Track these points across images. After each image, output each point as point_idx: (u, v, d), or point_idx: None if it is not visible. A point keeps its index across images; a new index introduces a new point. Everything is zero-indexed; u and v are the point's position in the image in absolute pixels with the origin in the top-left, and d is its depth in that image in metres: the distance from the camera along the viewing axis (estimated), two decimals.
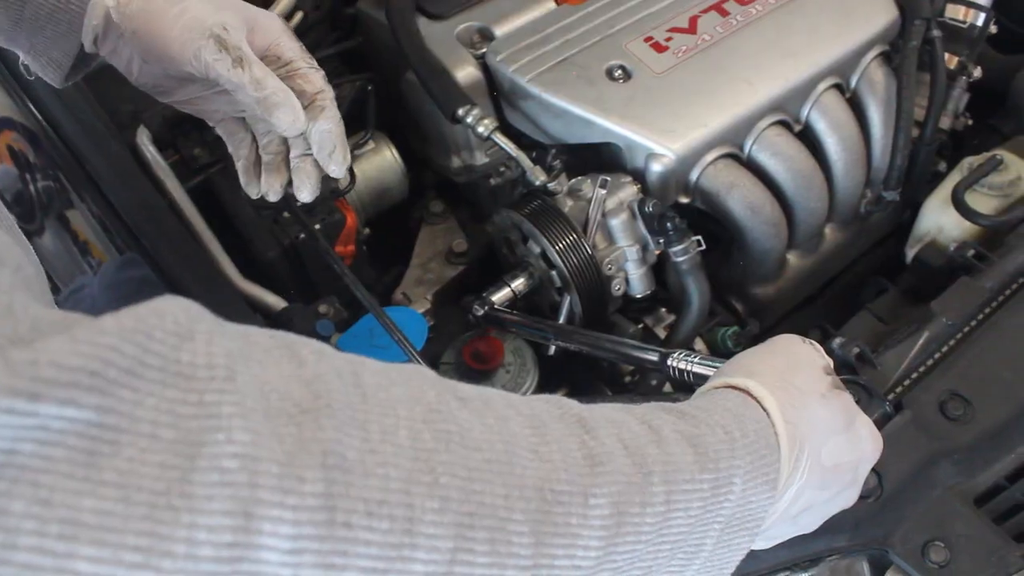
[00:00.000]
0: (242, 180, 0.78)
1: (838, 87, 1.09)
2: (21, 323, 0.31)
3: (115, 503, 0.31)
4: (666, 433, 0.51)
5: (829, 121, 1.07)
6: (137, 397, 0.33)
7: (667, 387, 1.00)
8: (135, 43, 0.70)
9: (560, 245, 0.94)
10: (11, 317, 0.31)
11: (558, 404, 0.50)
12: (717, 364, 0.78)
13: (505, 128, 1.02)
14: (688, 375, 0.80)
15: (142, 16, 0.68)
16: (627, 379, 1.03)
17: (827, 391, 0.61)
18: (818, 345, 0.67)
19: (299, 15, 1.14)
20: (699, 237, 0.96)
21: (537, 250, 0.98)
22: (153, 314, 0.35)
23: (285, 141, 0.77)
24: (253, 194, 0.79)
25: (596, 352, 0.90)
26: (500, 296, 0.98)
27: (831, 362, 0.65)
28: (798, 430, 0.58)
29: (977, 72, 1.21)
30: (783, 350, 0.64)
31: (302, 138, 0.74)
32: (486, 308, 0.96)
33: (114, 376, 0.32)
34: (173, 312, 0.36)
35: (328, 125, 0.72)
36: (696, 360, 0.80)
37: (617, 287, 0.98)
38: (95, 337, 0.32)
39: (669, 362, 0.82)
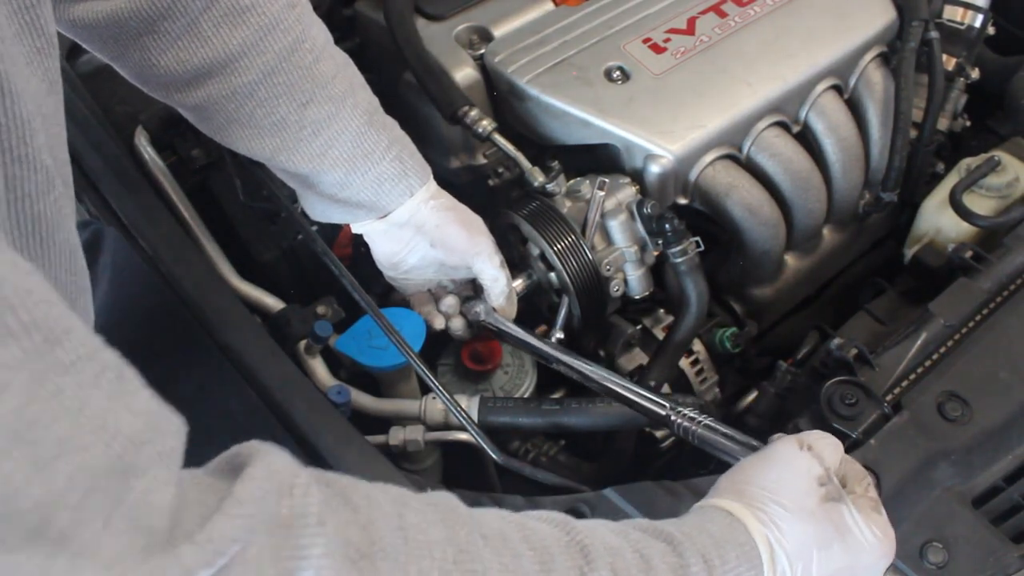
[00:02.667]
0: (437, 324, 0.98)
1: (836, 88, 1.09)
2: (191, 513, 0.41)
3: None
4: (655, 563, 0.58)
5: (827, 122, 1.07)
6: (247, 544, 0.42)
7: (665, 388, 1.00)
8: (433, 232, 0.90)
9: (558, 246, 0.94)
10: (188, 508, 0.42)
11: (566, 529, 0.57)
12: (722, 429, 0.75)
13: (504, 129, 1.02)
14: (693, 436, 0.77)
15: (451, 212, 0.90)
16: None
17: (817, 506, 0.63)
18: (821, 445, 0.67)
19: None
20: (697, 238, 0.96)
21: (536, 251, 0.98)
22: (267, 476, 0.45)
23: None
24: (439, 324, 0.98)
25: (600, 391, 0.87)
26: None
27: (831, 466, 0.66)
28: (783, 548, 0.62)
29: (975, 73, 1.21)
30: (777, 463, 0.66)
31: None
32: (483, 313, 0.95)
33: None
34: (279, 470, 0.46)
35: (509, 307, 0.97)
36: (704, 422, 0.77)
37: (616, 288, 0.98)
38: (239, 510, 0.42)
39: (674, 418, 0.79)
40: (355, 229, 0.94)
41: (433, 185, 0.92)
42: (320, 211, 0.92)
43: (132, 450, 0.39)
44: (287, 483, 0.45)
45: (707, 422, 0.76)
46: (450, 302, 0.98)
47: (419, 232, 0.91)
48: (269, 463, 0.46)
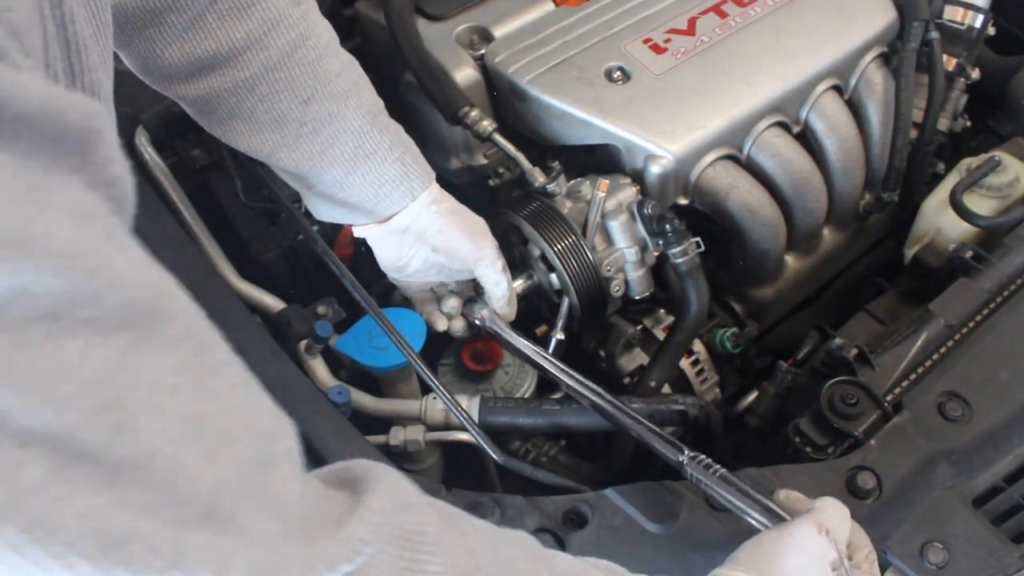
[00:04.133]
0: (439, 325, 0.99)
1: (837, 88, 1.09)
2: (319, 512, 0.46)
3: None
4: None
5: (828, 122, 1.07)
6: (375, 551, 0.46)
7: (666, 388, 1.01)
8: (436, 238, 0.90)
9: (559, 247, 0.94)
10: (313, 506, 0.46)
11: None
12: (737, 483, 0.74)
13: (504, 129, 1.02)
14: (706, 485, 0.76)
15: (454, 217, 0.90)
16: (625, 380, 1.03)
17: None
18: (835, 525, 0.69)
19: None
20: (698, 239, 0.96)
21: (536, 252, 0.98)
22: (393, 492, 0.49)
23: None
24: (441, 327, 0.99)
25: (614, 423, 0.86)
26: None
27: (843, 549, 0.68)
28: None
29: (975, 74, 1.21)
30: (797, 548, 0.67)
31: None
32: (486, 319, 0.95)
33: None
34: (401, 488, 0.51)
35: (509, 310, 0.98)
36: (719, 474, 0.75)
37: (616, 288, 0.98)
38: (372, 517, 0.46)
39: (685, 464, 0.77)
40: (357, 233, 0.93)
41: (436, 189, 0.91)
42: (323, 211, 0.92)
43: (269, 446, 0.44)
44: (408, 500, 0.50)
45: (722, 473, 0.75)
46: (452, 303, 0.98)
47: (421, 237, 0.91)
48: (392, 481, 0.50)
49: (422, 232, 0.90)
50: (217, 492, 0.40)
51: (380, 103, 0.88)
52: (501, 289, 0.94)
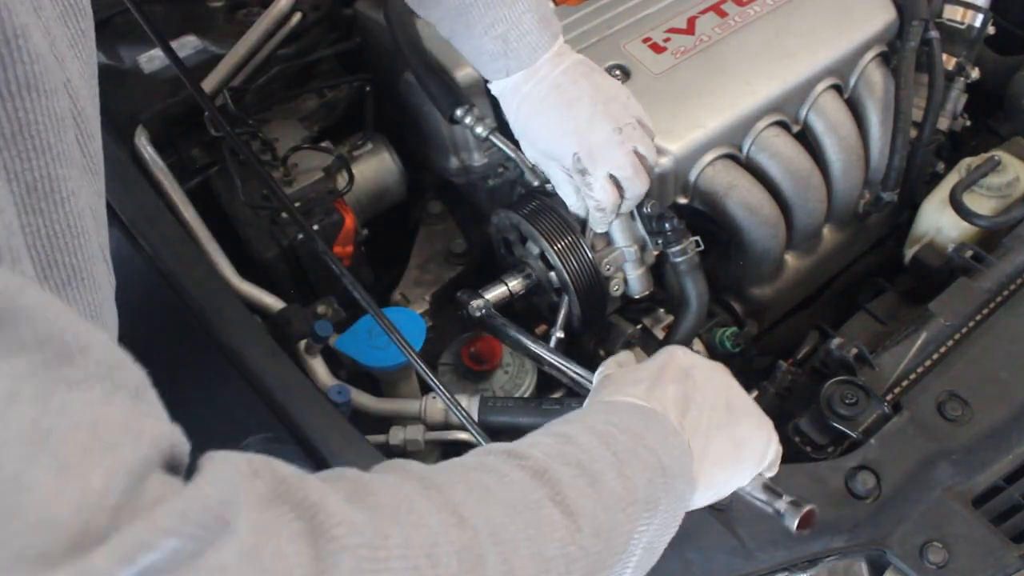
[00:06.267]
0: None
1: (836, 88, 1.09)
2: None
3: None
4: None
5: (827, 122, 1.07)
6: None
7: None
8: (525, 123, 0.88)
9: (558, 246, 0.94)
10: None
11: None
12: None
13: (503, 129, 1.02)
14: None
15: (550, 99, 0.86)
16: None
17: None
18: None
19: (297, 16, 1.14)
20: (697, 238, 0.96)
21: (535, 251, 0.98)
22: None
23: None
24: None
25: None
26: (496, 294, 0.98)
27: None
28: None
29: (975, 73, 1.21)
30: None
31: None
32: (483, 308, 0.95)
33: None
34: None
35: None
36: None
37: (615, 288, 0.98)
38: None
39: None
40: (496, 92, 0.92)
41: (546, 64, 0.87)
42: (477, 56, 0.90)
43: (156, 452, 0.38)
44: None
45: None
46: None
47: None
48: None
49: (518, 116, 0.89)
50: (88, 509, 0.34)
51: None
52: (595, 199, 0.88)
